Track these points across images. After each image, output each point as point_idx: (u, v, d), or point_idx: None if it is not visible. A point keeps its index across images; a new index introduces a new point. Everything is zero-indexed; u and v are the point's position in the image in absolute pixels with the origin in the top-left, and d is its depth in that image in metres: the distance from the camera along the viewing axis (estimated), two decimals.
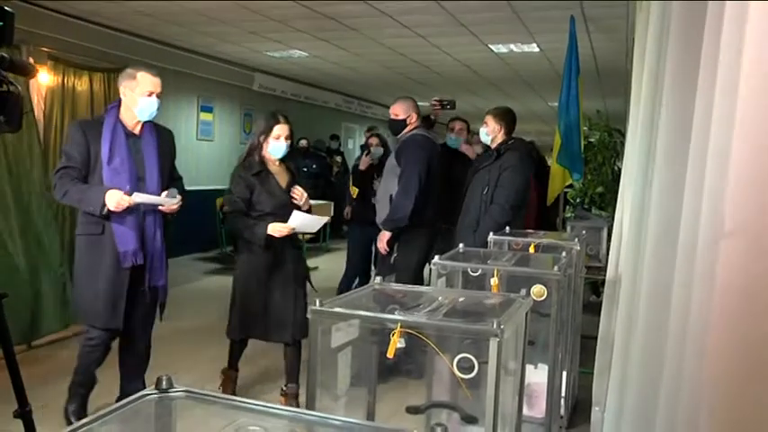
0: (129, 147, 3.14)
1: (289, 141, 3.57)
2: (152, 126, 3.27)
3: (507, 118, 4.31)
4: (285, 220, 3.43)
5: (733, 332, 1.24)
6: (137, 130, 3.20)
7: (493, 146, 4.27)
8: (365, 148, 6.01)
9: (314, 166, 9.98)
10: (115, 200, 3.01)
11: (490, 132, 4.26)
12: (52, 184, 3.14)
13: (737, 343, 1.22)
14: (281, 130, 3.52)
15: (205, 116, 9.37)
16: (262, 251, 3.48)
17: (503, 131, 4.25)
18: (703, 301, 1.32)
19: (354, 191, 5.63)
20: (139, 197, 3.08)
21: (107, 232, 3.11)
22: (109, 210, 3.02)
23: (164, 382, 1.22)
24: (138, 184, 3.13)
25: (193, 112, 9.12)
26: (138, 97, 3.12)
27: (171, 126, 9.83)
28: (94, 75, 5.38)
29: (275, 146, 3.53)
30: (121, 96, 3.15)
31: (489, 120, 4.28)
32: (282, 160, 3.60)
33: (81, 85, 5.28)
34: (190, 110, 9.03)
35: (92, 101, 5.34)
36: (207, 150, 9.27)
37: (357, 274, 5.66)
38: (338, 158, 11.12)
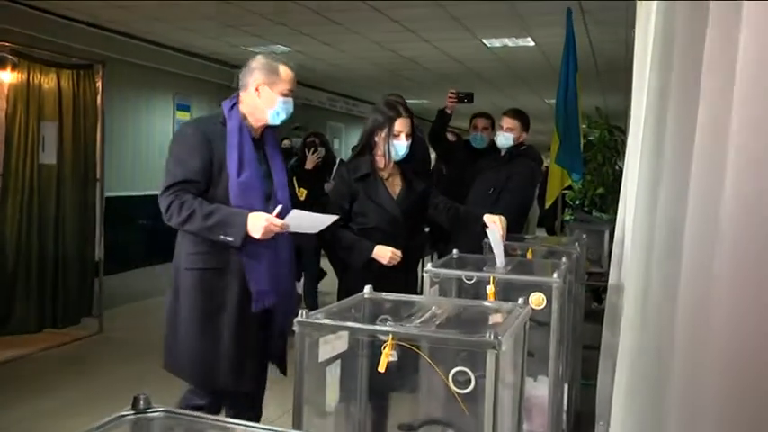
0: (257, 157, 2.66)
1: (410, 140, 3.01)
2: (273, 131, 2.81)
3: (527, 121, 4.32)
4: (395, 239, 2.93)
5: (752, 346, 1.24)
6: (258, 135, 2.72)
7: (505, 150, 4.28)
8: (309, 146, 6.07)
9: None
10: (262, 225, 2.46)
11: (516, 139, 4.22)
12: (163, 206, 2.54)
13: (757, 358, 1.23)
14: (402, 125, 2.98)
15: (181, 115, 9.33)
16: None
17: (523, 136, 4.28)
18: (718, 311, 1.32)
19: (302, 192, 5.61)
20: (296, 217, 2.54)
21: (233, 266, 2.57)
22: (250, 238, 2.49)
23: (141, 402, 1.21)
24: (266, 205, 2.62)
25: (169, 111, 9.07)
26: (278, 97, 2.65)
27: (144, 126, 9.74)
28: (62, 72, 5.33)
29: (397, 146, 2.98)
30: (249, 92, 2.67)
31: (514, 123, 4.23)
32: (398, 163, 3.06)
33: (48, 82, 5.22)
34: (165, 109, 8.98)
35: (60, 100, 5.28)
36: None
37: (313, 276, 6.01)
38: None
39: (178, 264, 2.63)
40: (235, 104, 2.69)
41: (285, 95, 2.67)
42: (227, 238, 2.50)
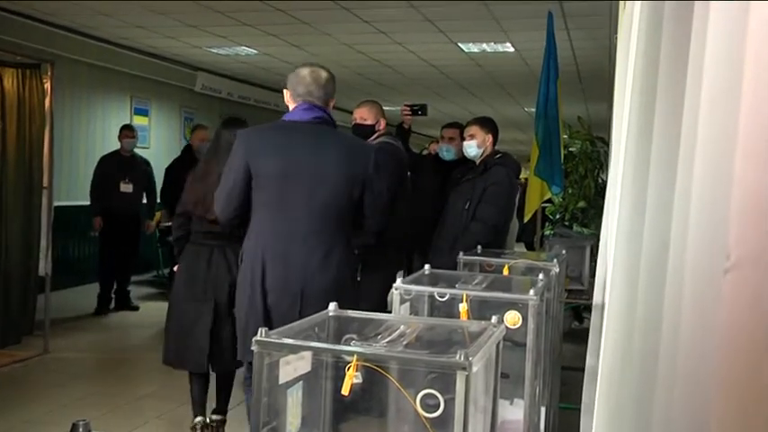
0: None
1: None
2: None
3: (493, 126, 4.38)
4: None
5: (752, 362, 1.25)
6: None
7: (479, 159, 4.32)
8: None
9: None
10: None
11: (480, 144, 4.28)
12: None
13: (758, 375, 1.23)
14: None
15: (139, 120, 9.25)
16: None
17: (491, 142, 4.32)
18: (708, 334, 1.33)
19: None
20: None
21: None
22: None
23: (80, 429, 1.18)
24: None
25: (126, 114, 8.99)
26: None
27: (99, 131, 9.62)
28: (6, 71, 5.22)
29: None
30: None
31: (477, 131, 4.30)
32: None
33: None
34: (121, 112, 8.89)
35: (2, 101, 5.17)
36: None
37: None
38: None
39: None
40: None
41: None
42: None
